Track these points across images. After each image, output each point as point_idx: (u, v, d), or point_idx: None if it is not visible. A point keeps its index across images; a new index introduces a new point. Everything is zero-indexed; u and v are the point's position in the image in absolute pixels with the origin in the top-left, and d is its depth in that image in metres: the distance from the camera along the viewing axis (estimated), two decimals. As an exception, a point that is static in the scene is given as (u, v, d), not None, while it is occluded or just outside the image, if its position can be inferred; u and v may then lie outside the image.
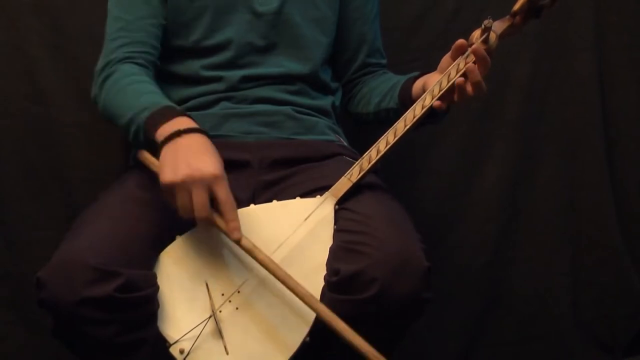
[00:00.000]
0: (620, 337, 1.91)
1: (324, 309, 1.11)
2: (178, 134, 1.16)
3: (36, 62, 1.67)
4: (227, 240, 1.16)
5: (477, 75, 1.22)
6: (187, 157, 1.12)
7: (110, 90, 1.31)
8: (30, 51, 1.66)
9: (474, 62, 1.24)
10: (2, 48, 1.67)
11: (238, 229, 1.14)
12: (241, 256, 1.17)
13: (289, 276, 1.13)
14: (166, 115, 1.19)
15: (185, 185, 1.11)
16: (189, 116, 1.21)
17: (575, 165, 1.90)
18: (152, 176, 1.21)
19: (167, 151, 1.15)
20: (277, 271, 1.13)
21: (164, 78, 1.44)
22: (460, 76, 1.24)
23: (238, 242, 1.14)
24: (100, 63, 1.37)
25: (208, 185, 1.11)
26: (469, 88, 1.23)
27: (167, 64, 1.43)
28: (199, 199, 1.11)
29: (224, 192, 1.13)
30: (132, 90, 1.29)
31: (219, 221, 1.14)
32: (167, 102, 1.25)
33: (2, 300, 1.71)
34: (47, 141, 1.69)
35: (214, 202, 1.13)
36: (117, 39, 1.37)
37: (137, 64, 1.35)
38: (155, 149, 1.18)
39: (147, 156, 1.21)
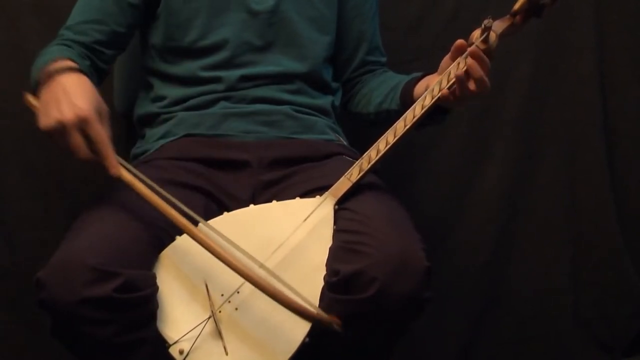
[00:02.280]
0: (620, 337, 1.91)
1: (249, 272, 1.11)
2: (51, 75, 1.16)
3: (36, 62, 1.67)
4: (227, 240, 1.16)
5: (478, 70, 1.21)
6: (58, 100, 1.12)
7: (34, 66, 1.32)
8: (30, 51, 1.66)
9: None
10: (2, 48, 1.67)
11: (115, 164, 1.15)
12: (241, 257, 1.17)
13: (202, 234, 1.14)
14: (52, 61, 1.20)
15: (57, 130, 1.12)
16: (72, 59, 1.22)
17: (575, 165, 1.90)
18: (152, 176, 1.21)
19: (42, 94, 1.16)
20: (185, 225, 1.14)
21: (162, 79, 1.44)
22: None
23: (118, 177, 1.15)
24: None
25: (78, 127, 1.12)
26: (471, 86, 1.22)
27: (164, 65, 1.43)
28: (73, 142, 1.12)
29: (95, 132, 1.13)
30: (43, 57, 1.30)
31: (100, 159, 1.14)
32: (61, 55, 1.26)
33: (2, 300, 1.71)
34: (47, 141, 1.68)
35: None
36: (61, 35, 1.39)
37: (66, 45, 1.36)
38: None
39: (30, 100, 1.20)
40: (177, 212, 1.15)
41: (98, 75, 1.39)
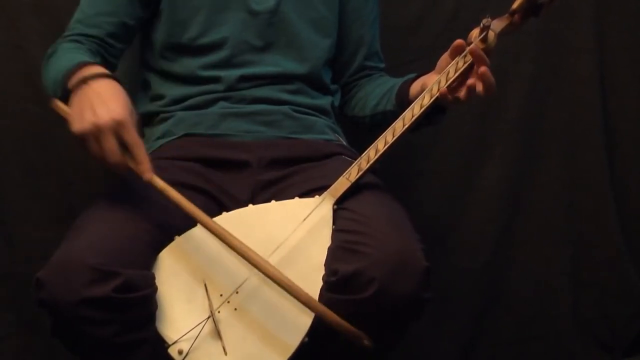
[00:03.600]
0: (620, 337, 1.91)
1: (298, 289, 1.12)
2: (84, 81, 1.17)
3: (36, 62, 1.66)
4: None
5: (488, 76, 1.21)
6: (93, 105, 1.13)
7: (47, 67, 1.33)
8: (30, 51, 1.66)
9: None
10: (2, 48, 1.67)
11: (149, 170, 1.15)
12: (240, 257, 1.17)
13: (243, 244, 1.14)
14: (77, 67, 1.21)
15: (92, 134, 1.12)
16: (99, 64, 1.22)
17: (575, 165, 1.90)
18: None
19: (74, 100, 1.16)
20: (226, 237, 1.14)
21: (161, 76, 1.44)
22: (465, 72, 1.23)
23: (150, 182, 1.15)
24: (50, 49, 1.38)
25: (114, 131, 1.12)
26: (479, 87, 1.22)
27: (164, 62, 1.44)
28: (108, 146, 1.12)
29: (130, 136, 1.13)
30: (59, 58, 1.30)
31: (132, 164, 1.15)
32: (84, 58, 1.26)
33: (2, 300, 1.71)
34: (47, 141, 1.69)
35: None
36: (72, 29, 1.39)
37: (78, 42, 1.36)
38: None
39: (60, 105, 1.20)
40: (208, 218, 1.15)
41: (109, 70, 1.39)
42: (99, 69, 1.20)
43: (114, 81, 1.19)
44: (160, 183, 1.16)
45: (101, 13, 1.39)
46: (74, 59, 1.25)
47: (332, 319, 1.10)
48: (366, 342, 1.11)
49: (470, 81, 1.22)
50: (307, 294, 1.11)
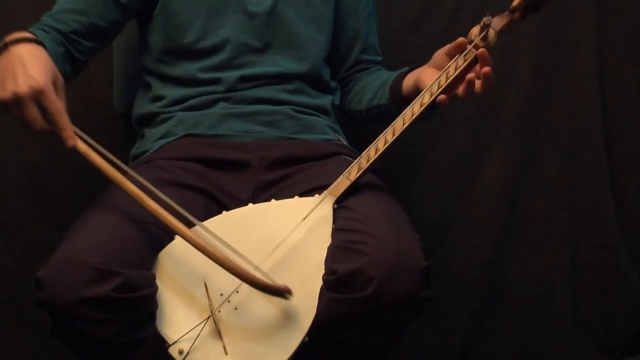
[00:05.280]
0: (620, 337, 1.91)
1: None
2: (5, 46, 1.15)
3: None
4: (227, 241, 1.16)
5: (490, 76, 1.21)
6: (14, 72, 1.11)
7: None
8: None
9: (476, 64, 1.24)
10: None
11: (72, 136, 1.14)
12: (240, 257, 1.17)
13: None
14: (8, 35, 1.18)
15: (14, 101, 1.11)
16: (31, 31, 1.21)
17: (575, 165, 1.91)
18: (152, 176, 1.21)
19: None
20: (144, 200, 1.14)
21: (161, 79, 1.44)
22: (465, 71, 1.23)
23: (74, 147, 1.14)
24: None
25: (34, 99, 1.11)
26: (477, 84, 1.22)
27: (163, 66, 1.43)
28: (30, 114, 1.11)
29: (50, 104, 1.12)
30: None
31: (56, 131, 1.14)
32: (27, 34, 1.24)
33: (2, 300, 1.71)
34: (47, 141, 1.69)
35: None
36: (40, 21, 1.37)
37: (43, 30, 1.34)
38: None
39: None
40: (135, 188, 1.15)
41: (73, 64, 1.37)
42: (23, 34, 1.17)
43: (38, 45, 1.17)
44: (83, 148, 1.15)
45: (71, 10, 1.38)
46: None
47: (254, 280, 1.10)
48: (287, 295, 1.12)
49: (469, 75, 1.21)
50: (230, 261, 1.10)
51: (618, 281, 1.91)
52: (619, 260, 1.91)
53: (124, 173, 1.18)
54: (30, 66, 1.12)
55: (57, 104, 1.13)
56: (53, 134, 1.14)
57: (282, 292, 1.12)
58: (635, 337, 1.92)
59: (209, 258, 1.11)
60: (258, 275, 1.12)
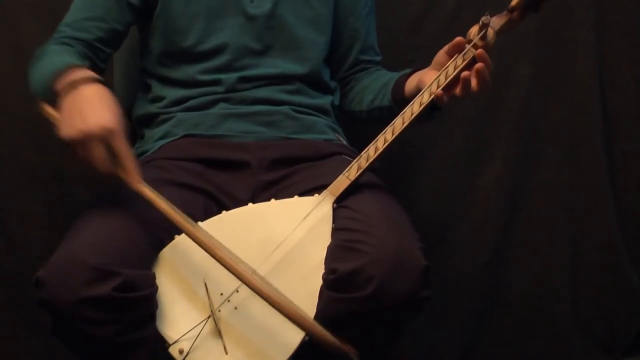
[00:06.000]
0: (620, 337, 1.91)
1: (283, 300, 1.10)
2: (74, 85, 1.16)
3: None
4: (227, 241, 1.16)
5: (484, 73, 1.22)
6: (83, 111, 1.12)
7: (34, 67, 1.31)
8: (30, 51, 1.65)
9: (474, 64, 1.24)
10: (2, 48, 1.67)
11: (138, 179, 1.14)
12: (240, 256, 1.17)
13: (224, 250, 1.13)
14: (66, 70, 1.19)
15: (81, 141, 1.11)
16: (89, 68, 1.22)
17: (575, 165, 1.90)
18: (152, 176, 1.21)
19: (64, 104, 1.15)
20: (212, 248, 1.12)
21: (161, 81, 1.44)
22: (463, 71, 1.23)
23: (138, 191, 1.14)
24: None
25: (103, 139, 1.11)
26: (474, 83, 1.22)
27: (163, 69, 1.43)
28: (96, 154, 1.11)
29: (119, 145, 1.13)
30: (48, 59, 1.29)
31: (121, 173, 1.14)
32: (74, 61, 1.25)
33: (2, 300, 1.71)
34: (47, 142, 1.69)
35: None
36: (60, 32, 1.38)
37: (67, 44, 1.35)
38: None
39: (48, 110, 1.19)
40: (198, 231, 1.13)
41: (97, 74, 1.38)
42: (89, 73, 1.19)
43: (104, 87, 1.18)
44: (148, 193, 1.14)
45: (92, 18, 1.38)
46: (63, 61, 1.24)
47: (321, 335, 1.08)
48: (354, 357, 1.10)
49: (464, 74, 1.22)
50: (296, 310, 1.08)
51: (618, 281, 1.91)
52: (619, 260, 1.91)
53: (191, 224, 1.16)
54: (100, 107, 1.13)
55: (126, 146, 1.14)
56: (116, 175, 1.14)
57: (346, 354, 1.10)
58: (635, 337, 1.92)
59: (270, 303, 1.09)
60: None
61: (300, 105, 1.44)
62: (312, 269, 1.16)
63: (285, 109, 1.42)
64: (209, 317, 1.15)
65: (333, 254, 1.16)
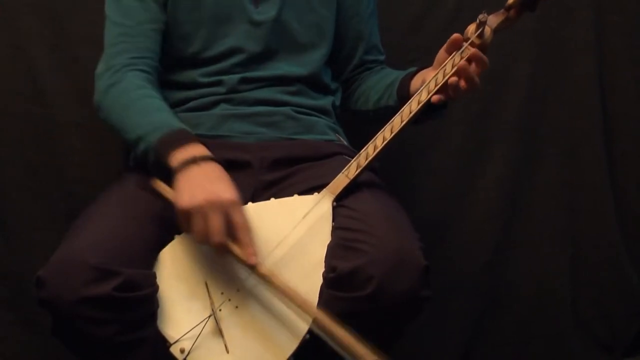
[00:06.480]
0: (620, 337, 1.91)
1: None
2: (194, 161, 1.17)
3: (36, 62, 1.67)
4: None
5: (468, 72, 1.23)
6: (204, 184, 1.14)
7: (116, 101, 1.31)
8: (30, 51, 1.66)
9: (471, 62, 1.24)
10: (2, 48, 1.67)
11: (254, 254, 1.14)
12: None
13: (303, 299, 1.13)
14: (180, 140, 1.21)
15: (202, 210, 1.12)
16: (201, 142, 1.23)
17: (575, 165, 1.90)
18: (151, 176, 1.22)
19: (183, 177, 1.16)
20: (295, 298, 1.13)
21: (162, 83, 1.44)
22: (454, 74, 1.24)
23: (254, 268, 1.14)
24: (100, 67, 1.36)
25: (225, 210, 1.13)
26: (462, 84, 1.23)
27: (165, 72, 1.43)
28: (216, 224, 1.12)
29: (240, 217, 1.15)
30: (141, 105, 1.29)
31: (234, 247, 1.14)
32: (178, 124, 1.26)
33: (2, 300, 1.71)
34: (47, 141, 1.69)
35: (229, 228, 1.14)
36: (117, 44, 1.37)
37: (141, 70, 1.35)
38: (160, 167, 1.20)
39: (161, 185, 1.21)
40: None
41: None
42: (206, 152, 1.21)
43: (218, 164, 1.20)
44: (265, 271, 1.14)
45: (142, 22, 1.38)
46: (164, 121, 1.25)
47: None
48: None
49: (452, 79, 1.23)
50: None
51: (618, 281, 1.91)
52: (619, 260, 1.91)
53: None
54: (221, 181, 1.16)
55: (246, 220, 1.15)
56: (228, 249, 1.14)
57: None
58: (635, 337, 1.92)
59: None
60: None
61: (301, 106, 1.44)
62: (312, 267, 1.16)
63: (286, 109, 1.42)
64: (209, 317, 1.15)
65: (333, 253, 1.16)
